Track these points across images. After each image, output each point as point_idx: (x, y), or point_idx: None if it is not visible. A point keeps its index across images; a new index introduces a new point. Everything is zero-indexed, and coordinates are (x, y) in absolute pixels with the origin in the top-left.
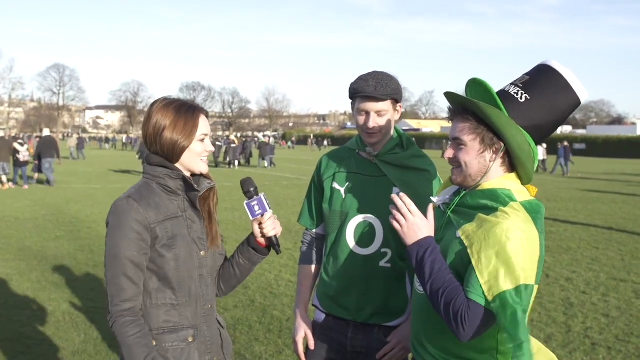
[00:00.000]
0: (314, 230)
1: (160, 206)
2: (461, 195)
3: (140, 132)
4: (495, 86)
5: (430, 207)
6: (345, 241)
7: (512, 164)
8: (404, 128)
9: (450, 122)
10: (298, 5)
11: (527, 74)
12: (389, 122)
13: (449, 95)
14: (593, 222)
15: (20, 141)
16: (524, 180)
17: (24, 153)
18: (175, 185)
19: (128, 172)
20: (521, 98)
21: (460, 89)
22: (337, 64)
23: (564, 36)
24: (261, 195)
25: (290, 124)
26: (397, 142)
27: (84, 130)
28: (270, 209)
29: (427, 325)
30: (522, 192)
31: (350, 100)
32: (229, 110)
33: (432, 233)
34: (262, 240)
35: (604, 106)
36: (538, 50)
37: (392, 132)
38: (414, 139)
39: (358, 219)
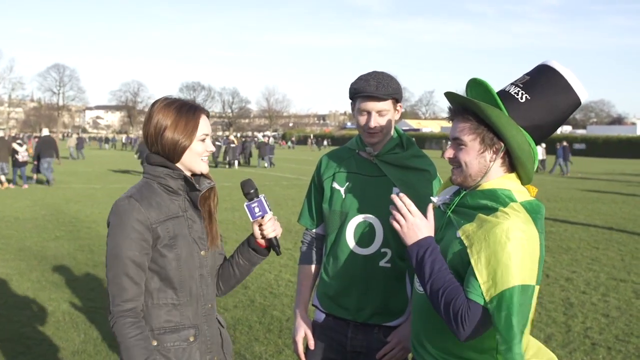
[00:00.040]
0: (313, 230)
1: (162, 206)
2: (461, 195)
3: (140, 132)
4: (495, 86)
5: (430, 207)
6: (345, 241)
7: (512, 164)
8: (404, 128)
9: (450, 122)
10: (298, 5)
11: (527, 74)
12: (389, 121)
13: (449, 95)
14: (593, 222)
15: (19, 141)
16: (524, 181)
17: (23, 153)
18: (177, 185)
19: (127, 172)
20: (521, 98)
21: (460, 89)
22: (337, 64)
23: (564, 36)
24: (261, 196)
25: (290, 124)
26: (397, 142)
27: (84, 130)
28: (270, 210)
29: (427, 325)
30: (522, 192)
31: (350, 101)
32: (229, 110)
33: (432, 233)
34: (262, 242)
35: (604, 106)
36: (538, 50)
37: (392, 132)
38: (413, 139)
39: (358, 218)
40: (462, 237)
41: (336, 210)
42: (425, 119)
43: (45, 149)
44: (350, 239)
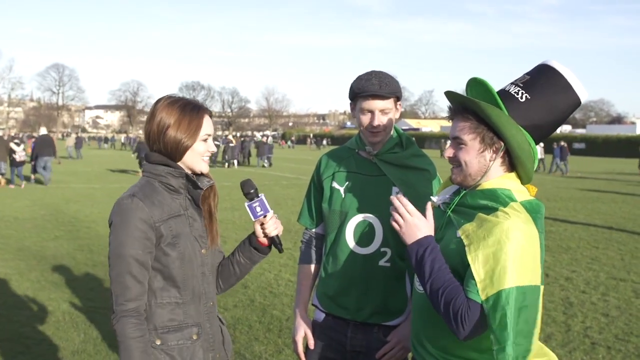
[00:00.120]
0: (313, 230)
1: (164, 205)
2: (461, 194)
3: (139, 132)
4: (495, 86)
5: (429, 206)
6: (345, 241)
7: (512, 163)
8: (404, 127)
9: (450, 121)
10: (298, 5)
11: (527, 73)
12: (391, 120)
13: (449, 95)
14: (593, 222)
15: (16, 141)
16: (524, 180)
17: (20, 153)
18: (178, 183)
19: (126, 171)
20: (521, 98)
21: (460, 89)
22: (337, 64)
23: (564, 36)
24: (262, 196)
25: (290, 124)
26: (396, 141)
27: (84, 130)
28: (271, 209)
29: (427, 325)
30: (522, 192)
31: (350, 101)
32: (229, 110)
33: (431, 232)
34: (263, 240)
35: (603, 105)
36: (538, 50)
37: (392, 131)
38: (413, 138)
39: (357, 218)
40: (462, 237)
41: (336, 209)
42: (425, 118)
43: (44, 147)
44: (349, 239)
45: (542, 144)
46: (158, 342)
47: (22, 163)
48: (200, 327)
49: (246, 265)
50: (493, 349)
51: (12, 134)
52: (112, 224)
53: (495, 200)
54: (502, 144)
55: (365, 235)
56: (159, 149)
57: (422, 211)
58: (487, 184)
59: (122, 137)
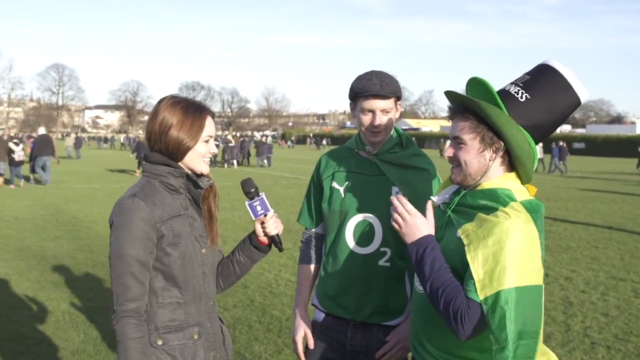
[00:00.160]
0: (313, 230)
1: (165, 204)
2: (461, 194)
3: (139, 132)
4: (495, 86)
5: (430, 206)
6: (345, 240)
7: (511, 163)
8: (404, 127)
9: (450, 121)
10: (298, 5)
11: (527, 73)
12: (391, 120)
13: (449, 94)
14: (592, 221)
15: (15, 140)
16: (524, 180)
17: (19, 153)
18: (178, 183)
19: (125, 171)
20: (521, 97)
21: (460, 89)
22: (337, 64)
23: (564, 36)
24: (262, 195)
25: (290, 124)
26: (396, 141)
27: (83, 130)
28: (271, 208)
29: (426, 325)
30: (522, 192)
31: (350, 101)
32: (228, 110)
33: (432, 232)
34: (264, 239)
35: (603, 105)
36: (538, 50)
37: (392, 131)
38: (413, 138)
39: (357, 218)
40: (462, 236)
41: (335, 209)
42: (425, 118)
43: (42, 147)
44: (349, 238)
45: (541, 144)
46: (160, 342)
47: (21, 163)
48: (202, 327)
49: (246, 264)
50: (492, 349)
51: (12, 134)
52: (113, 224)
53: (495, 200)
54: (502, 143)
55: (365, 235)
56: (159, 148)
57: (422, 211)
58: (487, 184)
59: (122, 137)
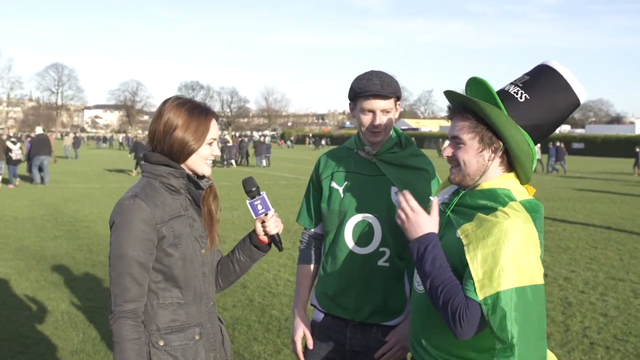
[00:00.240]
0: (312, 230)
1: (165, 205)
2: (460, 195)
3: (138, 132)
4: (495, 86)
5: (435, 204)
6: (344, 240)
7: (510, 163)
8: (403, 127)
9: (449, 120)
10: (298, 5)
11: (527, 73)
12: (391, 120)
13: (448, 94)
14: (591, 222)
15: (13, 139)
16: (523, 180)
17: (17, 151)
18: (179, 183)
19: (124, 171)
20: (521, 98)
21: (460, 89)
22: (337, 64)
23: (564, 36)
24: (263, 194)
25: (289, 124)
26: (395, 141)
27: (83, 130)
28: (272, 207)
29: (426, 325)
30: (521, 192)
31: (350, 101)
32: (228, 110)
33: (435, 230)
34: (264, 238)
35: (602, 105)
36: (538, 50)
37: (391, 131)
38: (413, 138)
39: (357, 218)
40: (461, 236)
41: (335, 209)
42: (424, 118)
43: (40, 147)
44: (348, 239)
45: (539, 144)
46: (161, 343)
47: (18, 162)
48: (202, 327)
49: (246, 263)
50: (494, 349)
51: (11, 134)
52: (113, 224)
53: (495, 200)
54: (501, 143)
55: (364, 235)
56: (162, 149)
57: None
58: (486, 184)
59: (120, 137)
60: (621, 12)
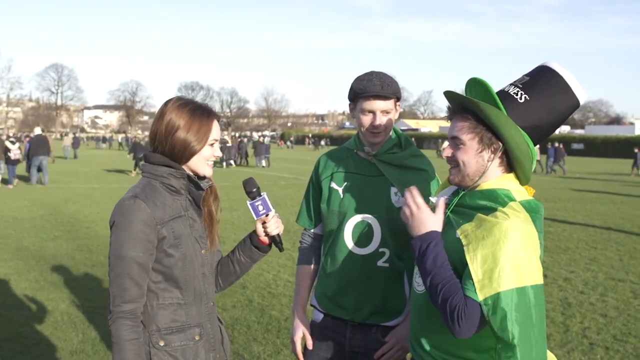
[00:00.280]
0: (312, 230)
1: (166, 206)
2: (460, 195)
3: (137, 132)
4: (495, 86)
5: (442, 203)
6: (344, 241)
7: (510, 164)
8: (402, 128)
9: (449, 121)
10: (298, 5)
11: (527, 74)
12: (391, 121)
13: (448, 94)
14: (591, 222)
15: (11, 139)
16: (522, 181)
17: (15, 151)
18: (179, 184)
19: (123, 172)
20: (520, 98)
21: (460, 89)
22: (337, 64)
23: (563, 36)
24: (264, 195)
25: (289, 124)
26: (395, 141)
27: (82, 130)
28: (272, 208)
29: (425, 325)
30: (520, 192)
31: (349, 102)
32: (227, 110)
33: (438, 228)
34: (264, 239)
35: (602, 106)
36: (538, 50)
37: (391, 131)
38: (412, 138)
39: (356, 218)
40: (461, 237)
41: (334, 210)
42: (424, 118)
43: (39, 147)
44: (348, 239)
45: (538, 145)
46: (162, 344)
47: (16, 161)
48: (202, 328)
49: (246, 264)
50: (496, 349)
51: (11, 134)
52: (114, 225)
53: (494, 201)
54: (501, 144)
55: (363, 235)
56: (163, 149)
57: None
58: (485, 185)
59: (120, 137)
60: (621, 12)
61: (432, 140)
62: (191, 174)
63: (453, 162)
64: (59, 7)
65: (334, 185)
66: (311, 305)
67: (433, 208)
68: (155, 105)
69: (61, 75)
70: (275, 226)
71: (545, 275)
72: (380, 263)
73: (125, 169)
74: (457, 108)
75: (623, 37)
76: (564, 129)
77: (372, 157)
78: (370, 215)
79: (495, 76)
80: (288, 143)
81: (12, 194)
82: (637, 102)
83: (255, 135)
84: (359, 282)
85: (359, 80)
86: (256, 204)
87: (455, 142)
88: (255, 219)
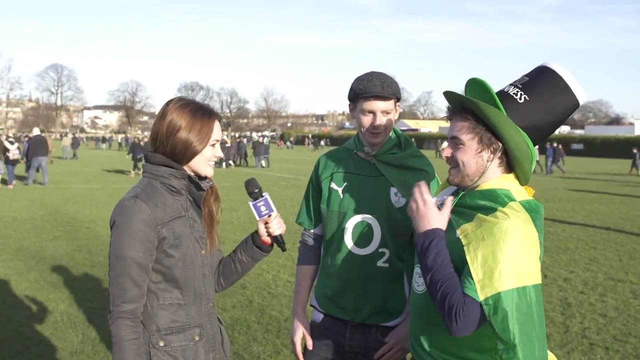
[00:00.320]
0: (312, 231)
1: (166, 206)
2: (460, 195)
3: (137, 132)
4: (495, 86)
5: (449, 202)
6: (343, 241)
7: (509, 164)
8: (402, 128)
9: (448, 121)
10: (298, 5)
11: (526, 75)
12: (391, 121)
13: (448, 95)
14: (591, 222)
15: (10, 139)
16: (522, 181)
17: (14, 151)
18: (180, 184)
19: (123, 172)
20: (520, 99)
21: (460, 89)
22: (337, 64)
23: (563, 36)
24: (266, 195)
25: (289, 124)
26: (395, 142)
27: (82, 130)
28: (275, 208)
29: (425, 325)
30: (520, 192)
31: (349, 102)
32: (227, 111)
33: (442, 226)
34: (266, 239)
35: (602, 106)
36: (538, 50)
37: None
38: (412, 139)
39: (356, 219)
40: (461, 237)
41: (334, 210)
42: (424, 119)
43: (38, 148)
44: (348, 239)
45: (537, 145)
46: (161, 344)
47: (15, 162)
48: (202, 328)
49: (248, 264)
50: (498, 348)
51: (10, 135)
52: (114, 225)
53: (494, 201)
54: (500, 144)
55: (363, 235)
56: (164, 150)
57: None
58: (485, 185)
59: (119, 137)
60: (621, 12)
61: (432, 140)
62: (192, 174)
63: (453, 162)
64: (59, 7)
65: (333, 185)
66: (311, 305)
67: (439, 206)
68: (155, 106)
69: (61, 76)
70: (277, 226)
71: (545, 275)
72: (380, 263)
73: (125, 169)
74: (456, 108)
75: (623, 37)
76: (564, 129)
77: (372, 157)
78: (370, 216)
79: (495, 76)
80: (288, 143)
81: (12, 194)
82: (637, 102)
83: (255, 135)
84: (359, 282)
85: (359, 80)
86: (258, 204)
87: (455, 142)
88: (258, 219)
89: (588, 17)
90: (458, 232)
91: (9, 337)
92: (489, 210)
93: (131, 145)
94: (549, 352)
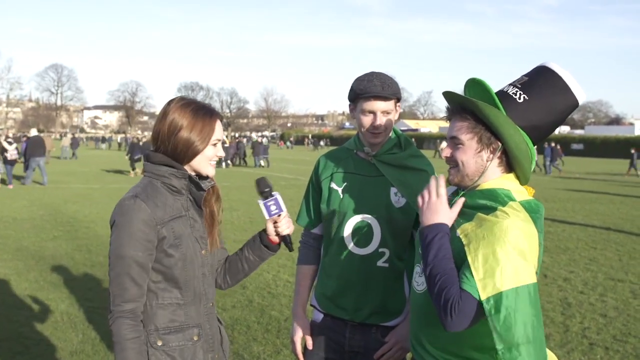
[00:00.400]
0: (312, 231)
1: (166, 206)
2: (459, 195)
3: (137, 132)
4: (495, 86)
5: (460, 202)
6: (343, 241)
7: (509, 164)
8: (402, 128)
9: (448, 121)
10: (298, 5)
11: (526, 75)
12: (391, 121)
13: (447, 95)
14: (591, 223)
15: (9, 139)
16: (521, 181)
17: (12, 151)
18: (180, 184)
19: (122, 172)
20: (519, 98)
21: (459, 89)
22: (337, 64)
23: (563, 36)
24: (276, 194)
25: (289, 124)
26: (395, 142)
27: (82, 130)
28: (284, 208)
29: (425, 325)
30: (520, 192)
31: (350, 102)
32: (227, 110)
33: (449, 223)
34: (274, 238)
35: (602, 106)
36: (538, 50)
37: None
38: (412, 139)
39: (356, 219)
40: (461, 236)
41: (334, 210)
42: (424, 119)
43: (36, 148)
44: (348, 239)
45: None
46: (159, 343)
47: (14, 162)
48: (201, 328)
49: (254, 262)
50: (498, 348)
51: (10, 135)
52: (114, 224)
53: (494, 200)
54: (500, 144)
55: (363, 235)
56: (165, 149)
57: None
58: (485, 185)
59: (119, 137)
60: (621, 12)
61: (432, 140)
62: (193, 174)
63: (452, 162)
64: (59, 7)
65: (333, 185)
66: (311, 305)
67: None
68: (155, 106)
69: (61, 76)
70: (286, 226)
71: (545, 275)
72: (380, 263)
73: (125, 169)
74: (456, 108)
75: (623, 37)
76: (564, 129)
77: (372, 157)
78: (370, 216)
79: (495, 76)
80: (288, 143)
81: (11, 194)
82: (637, 102)
83: (255, 135)
84: (359, 282)
85: (359, 80)
86: (269, 203)
87: (454, 142)
88: (267, 218)
89: (588, 17)
90: (458, 231)
91: (9, 337)
92: (489, 210)
93: (130, 145)
94: (549, 351)
